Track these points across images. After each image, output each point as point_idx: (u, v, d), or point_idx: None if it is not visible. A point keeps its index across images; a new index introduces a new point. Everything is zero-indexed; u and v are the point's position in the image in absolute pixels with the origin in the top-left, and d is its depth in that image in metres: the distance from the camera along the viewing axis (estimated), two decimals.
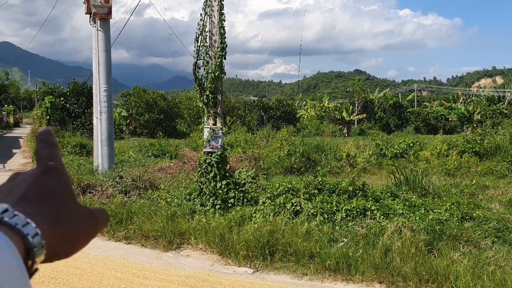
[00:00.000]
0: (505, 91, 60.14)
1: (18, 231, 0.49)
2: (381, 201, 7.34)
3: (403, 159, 14.52)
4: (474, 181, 10.51)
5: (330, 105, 41.54)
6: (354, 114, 38.83)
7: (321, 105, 40.68)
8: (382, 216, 6.55)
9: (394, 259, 5.04)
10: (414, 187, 8.80)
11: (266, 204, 7.29)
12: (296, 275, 5.22)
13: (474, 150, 14.17)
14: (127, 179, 9.25)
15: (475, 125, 20.82)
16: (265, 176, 10.80)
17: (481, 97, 56.22)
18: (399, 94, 56.14)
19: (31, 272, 0.50)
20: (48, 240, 0.52)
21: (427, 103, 59.79)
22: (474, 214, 6.93)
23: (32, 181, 0.56)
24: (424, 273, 4.74)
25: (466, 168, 12.31)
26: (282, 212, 6.99)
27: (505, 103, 52.79)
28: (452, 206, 7.26)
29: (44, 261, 0.53)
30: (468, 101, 51.83)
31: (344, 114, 36.78)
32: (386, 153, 15.14)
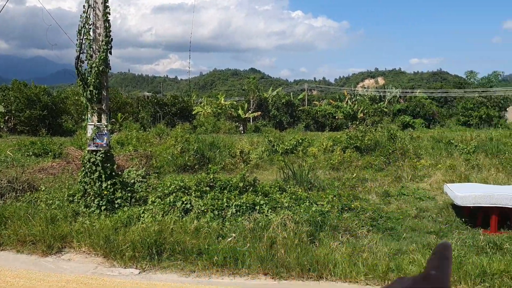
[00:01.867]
0: (385, 91, 65.56)
1: None
2: (270, 195, 7.58)
3: (293, 155, 15.14)
4: (355, 174, 11.30)
5: (226, 103, 41.97)
6: (250, 112, 39.67)
7: (217, 102, 40.93)
8: (270, 210, 6.77)
9: (279, 250, 5.23)
10: (301, 181, 9.22)
11: (155, 204, 7.14)
12: (184, 273, 5.18)
13: (356, 146, 15.24)
14: (2, 180, 8.47)
15: (358, 123, 22.46)
16: (157, 174, 10.57)
17: (365, 97, 60.73)
18: (291, 93, 58.46)
19: None
20: None
21: (316, 102, 63.12)
22: (352, 205, 7.46)
23: (409, 284, 0.61)
24: (305, 262, 4.99)
25: (349, 163, 13.18)
26: (172, 211, 6.89)
27: (385, 102, 57.60)
28: (334, 198, 7.74)
29: None
30: (353, 100, 55.65)
31: (240, 111, 37.39)
32: (278, 149, 15.68)
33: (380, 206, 8.05)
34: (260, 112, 41.33)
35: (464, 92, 65.49)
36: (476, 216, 6.56)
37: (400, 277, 0.65)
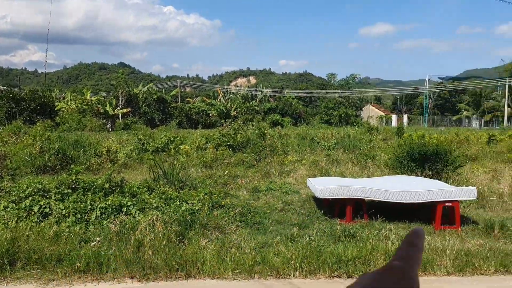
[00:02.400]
0: (257, 90, 67.98)
1: None
2: (138, 196, 7.34)
3: (165, 153, 14.89)
4: (227, 171, 11.50)
5: (92, 98, 39.66)
6: (118, 108, 38.03)
7: (83, 98, 38.50)
8: (137, 211, 6.54)
9: (146, 252, 5.08)
10: (172, 180, 9.08)
11: (8, 209, 6.44)
12: (41, 282, 4.76)
13: (228, 143, 15.53)
14: None
15: (231, 121, 22.97)
16: (11, 177, 9.56)
17: (238, 95, 62.29)
18: (164, 89, 57.50)
19: None
20: None
21: (189, 99, 62.97)
22: (223, 202, 7.58)
23: (368, 279, 0.54)
24: (174, 262, 4.92)
25: (221, 160, 13.38)
26: (28, 216, 6.29)
27: (257, 101, 59.74)
28: (205, 196, 7.77)
29: None
30: (227, 98, 56.68)
31: (108, 108, 35.62)
32: (148, 147, 15.28)
33: (249, 201, 8.30)
34: (130, 109, 39.85)
35: (326, 93, 70.93)
36: (334, 208, 7.12)
37: (364, 273, 0.58)
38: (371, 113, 70.25)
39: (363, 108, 73.41)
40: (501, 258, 5.11)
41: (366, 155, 14.18)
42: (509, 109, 61.07)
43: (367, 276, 0.55)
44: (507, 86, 61.95)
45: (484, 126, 63.04)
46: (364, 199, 6.89)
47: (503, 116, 60.80)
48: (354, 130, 32.88)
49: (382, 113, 73.04)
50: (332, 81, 75.91)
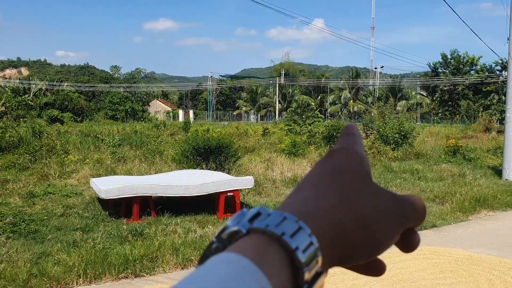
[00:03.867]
0: (30, 83, 61.12)
1: (283, 244, 0.33)
2: None
3: None
4: None
5: None
6: None
7: None
8: None
9: None
10: None
11: None
12: None
13: None
14: None
15: None
16: None
17: (7, 88, 54.93)
18: None
19: None
20: (330, 240, 0.36)
21: None
22: None
23: (311, 172, 0.42)
24: None
25: None
26: None
27: (31, 95, 53.74)
28: None
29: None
30: None
31: None
32: None
33: (23, 209, 7.39)
34: None
35: (111, 87, 68.43)
36: (120, 207, 6.89)
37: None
38: (158, 108, 70.79)
39: (150, 103, 73.40)
40: None
41: (154, 151, 14.17)
42: (280, 105, 69.37)
43: (311, 172, 0.44)
44: (277, 85, 70.20)
45: (260, 120, 70.18)
46: (151, 196, 6.85)
47: (275, 111, 68.72)
48: (142, 125, 32.62)
49: (169, 108, 74.33)
50: (117, 75, 73.63)
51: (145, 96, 69.79)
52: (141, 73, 76.10)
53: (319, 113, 32.84)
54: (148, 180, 7.13)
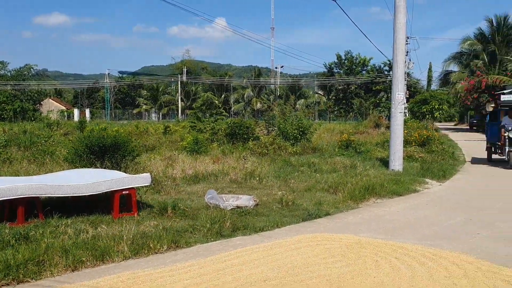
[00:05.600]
0: None
1: None
2: None
3: None
4: None
5: None
6: None
7: None
8: None
9: None
10: None
11: None
12: None
13: None
14: None
15: None
16: None
17: None
18: None
19: None
20: None
21: None
22: None
23: None
24: None
25: None
26: None
27: None
28: None
29: None
30: None
31: None
32: None
33: None
34: None
35: None
36: (2, 211, 6.30)
37: None
38: (51, 107, 66.30)
39: (42, 102, 68.46)
40: (173, 236, 5.60)
41: (44, 151, 13.20)
42: (183, 103, 68.54)
43: None
44: (179, 82, 69.26)
45: (162, 118, 68.76)
46: (38, 197, 6.35)
47: (178, 109, 67.75)
48: (32, 125, 30.31)
49: (64, 107, 69.99)
50: (3, 71, 67.40)
51: (36, 95, 64.85)
52: (31, 69, 70.19)
53: (223, 111, 33.07)
54: (35, 180, 6.60)
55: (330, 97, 67.06)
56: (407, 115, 37.36)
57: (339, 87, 65.53)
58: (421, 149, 16.95)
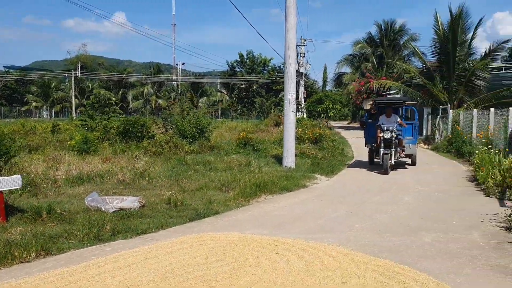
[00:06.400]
0: None
1: None
2: None
3: None
4: None
5: None
6: None
7: None
8: None
9: None
10: None
11: None
12: None
13: None
14: None
15: None
16: None
17: None
18: None
19: None
20: None
21: None
22: None
23: None
24: None
25: None
26: None
27: None
28: None
29: None
30: None
31: None
32: None
33: None
34: None
35: None
36: None
37: None
38: None
39: None
40: (43, 242, 5.14)
41: None
42: (77, 100, 64.65)
43: None
44: (73, 78, 65.24)
45: (55, 116, 64.27)
46: None
47: (72, 107, 63.75)
48: None
49: None
50: None
51: None
52: None
53: (118, 108, 31.74)
54: None
55: (232, 95, 67.65)
56: (305, 114, 38.91)
57: (242, 86, 66.37)
58: (314, 146, 17.67)
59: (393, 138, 12.73)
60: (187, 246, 5.38)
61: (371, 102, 15.49)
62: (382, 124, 13.02)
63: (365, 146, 14.83)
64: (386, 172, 12.39)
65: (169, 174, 10.53)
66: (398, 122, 13.11)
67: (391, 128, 12.77)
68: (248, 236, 5.86)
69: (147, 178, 9.76)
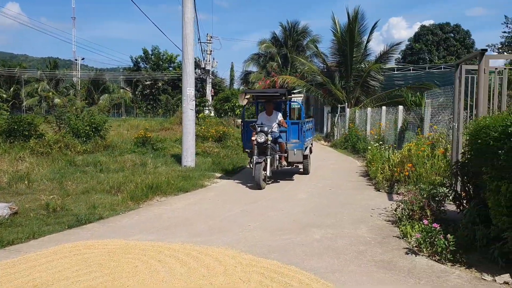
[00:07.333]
0: None
1: None
2: None
3: None
4: None
5: None
6: None
7: None
8: None
9: None
10: None
11: None
12: None
13: None
14: None
15: None
16: None
17: None
18: None
19: None
20: None
21: None
22: None
23: None
24: None
25: None
26: None
27: None
28: None
29: None
30: None
31: None
32: None
33: None
34: None
35: None
36: None
37: None
38: None
39: None
40: None
41: None
42: None
43: None
44: None
45: None
46: None
47: None
48: None
49: None
50: None
51: None
52: None
53: (6, 105, 29.02)
54: None
55: (136, 92, 65.30)
56: (212, 112, 38.58)
57: (146, 83, 64.29)
58: (217, 144, 17.43)
59: (269, 142, 9.87)
60: (59, 257, 4.80)
61: (248, 97, 12.54)
62: (262, 124, 10.33)
63: (243, 151, 12.22)
64: (259, 187, 9.51)
65: (54, 177, 9.62)
66: (279, 121, 10.53)
67: (265, 129, 9.94)
68: (130, 243, 5.40)
69: (26, 182, 8.80)
